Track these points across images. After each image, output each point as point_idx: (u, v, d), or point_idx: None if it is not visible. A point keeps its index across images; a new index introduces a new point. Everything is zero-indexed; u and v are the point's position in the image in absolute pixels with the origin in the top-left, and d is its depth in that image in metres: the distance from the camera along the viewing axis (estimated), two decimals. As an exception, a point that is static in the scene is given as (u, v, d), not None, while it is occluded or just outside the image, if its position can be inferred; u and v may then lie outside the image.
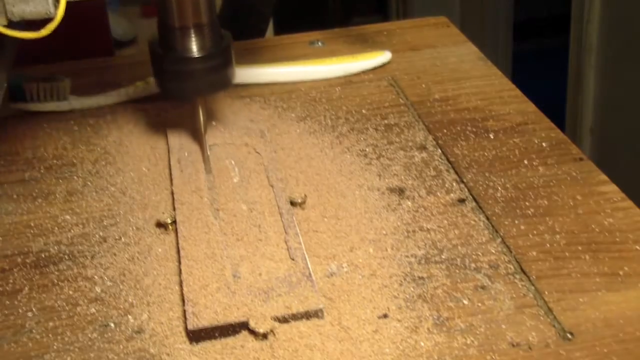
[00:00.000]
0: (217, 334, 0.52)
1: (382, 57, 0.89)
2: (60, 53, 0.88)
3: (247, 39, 1.01)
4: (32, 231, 0.65)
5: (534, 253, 0.58)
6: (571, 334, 0.51)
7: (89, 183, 0.71)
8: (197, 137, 0.71)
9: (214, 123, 0.74)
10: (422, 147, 0.73)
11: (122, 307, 0.56)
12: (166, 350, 0.52)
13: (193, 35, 0.65)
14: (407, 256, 0.59)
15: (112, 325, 0.54)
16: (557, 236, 0.60)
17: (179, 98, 0.71)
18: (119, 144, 0.77)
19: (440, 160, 0.71)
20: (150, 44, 0.68)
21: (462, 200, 0.65)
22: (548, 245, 0.59)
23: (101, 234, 0.64)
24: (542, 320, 0.52)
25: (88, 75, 0.90)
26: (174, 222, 0.63)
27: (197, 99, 0.68)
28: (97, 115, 0.82)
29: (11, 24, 0.57)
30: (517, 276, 0.56)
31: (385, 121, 0.78)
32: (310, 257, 0.58)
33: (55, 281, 0.59)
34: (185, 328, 0.52)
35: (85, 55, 0.95)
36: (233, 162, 0.69)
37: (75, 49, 0.89)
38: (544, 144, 0.72)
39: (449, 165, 0.70)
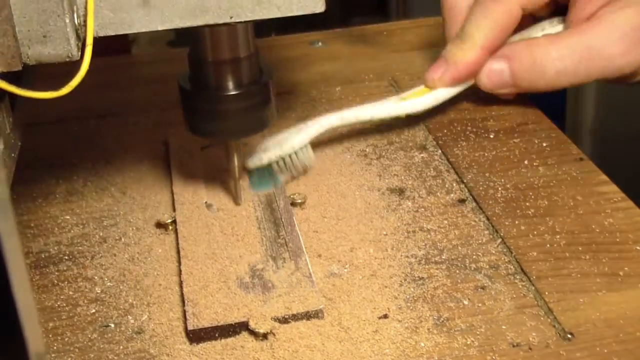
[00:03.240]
0: (217, 335, 0.52)
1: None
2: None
3: None
4: (32, 231, 0.65)
5: (534, 253, 0.58)
6: (571, 334, 0.51)
7: (89, 183, 0.71)
8: (231, 180, 0.64)
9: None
10: (422, 147, 0.73)
11: (122, 307, 0.56)
12: (166, 350, 0.52)
13: (229, 70, 0.58)
14: (407, 256, 0.59)
15: (112, 325, 0.54)
16: (557, 236, 0.60)
17: (211, 138, 0.65)
18: (119, 144, 0.77)
19: (440, 160, 0.71)
20: (179, 78, 0.61)
21: (462, 201, 0.65)
22: (548, 245, 0.59)
23: (101, 234, 0.64)
24: (542, 321, 0.52)
25: (102, 73, 0.91)
26: (174, 222, 0.63)
27: (232, 142, 0.62)
28: (97, 115, 0.82)
29: (26, 83, 0.50)
30: (517, 276, 0.56)
31: (385, 121, 0.78)
32: (310, 257, 0.58)
33: (55, 281, 0.59)
34: (186, 328, 0.52)
35: (100, 53, 0.95)
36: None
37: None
38: (544, 144, 0.72)
39: (449, 165, 0.70)
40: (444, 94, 0.75)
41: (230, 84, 0.59)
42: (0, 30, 0.47)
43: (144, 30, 0.51)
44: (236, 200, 0.64)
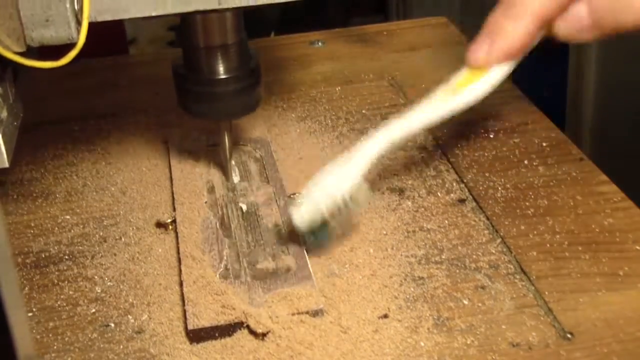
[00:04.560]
0: (217, 334, 0.52)
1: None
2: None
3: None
4: (32, 231, 0.65)
5: (534, 253, 0.58)
6: (571, 334, 0.51)
7: (89, 183, 0.71)
8: (222, 160, 0.67)
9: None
10: (422, 147, 0.73)
11: (122, 307, 0.56)
12: (166, 350, 0.52)
13: (219, 55, 0.62)
14: (407, 256, 0.59)
15: (112, 325, 0.54)
16: (557, 236, 0.60)
17: (204, 118, 0.67)
18: (119, 144, 0.77)
19: (440, 160, 0.71)
20: (174, 64, 0.64)
21: (462, 200, 0.65)
22: (548, 245, 0.59)
23: (101, 234, 0.64)
24: (542, 320, 0.52)
25: (102, 73, 0.91)
26: (174, 222, 0.63)
27: (223, 122, 0.65)
28: (97, 116, 0.82)
29: (28, 50, 0.53)
30: (517, 276, 0.56)
31: (385, 121, 0.78)
32: (311, 257, 0.58)
33: (55, 281, 0.59)
34: (186, 328, 0.52)
35: (100, 54, 0.95)
36: (233, 162, 0.69)
37: (90, 46, 0.88)
38: (544, 144, 0.72)
39: (449, 165, 0.70)
40: (496, 75, 0.60)
41: (221, 69, 0.62)
42: (6, 14, 0.51)
43: (138, 15, 0.54)
44: (227, 177, 0.67)
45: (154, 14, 0.54)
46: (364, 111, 0.80)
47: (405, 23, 1.03)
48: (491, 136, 0.74)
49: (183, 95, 0.64)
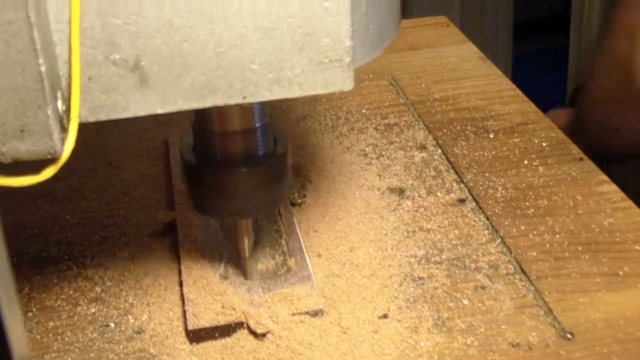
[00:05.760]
0: (217, 334, 0.52)
1: None
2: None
3: None
4: (32, 231, 0.65)
5: (534, 253, 0.58)
6: (571, 334, 0.51)
7: (89, 183, 0.71)
8: (241, 259, 0.57)
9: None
10: (422, 147, 0.73)
11: (122, 307, 0.56)
12: (166, 350, 0.52)
13: (239, 142, 0.51)
14: (407, 256, 0.59)
15: (112, 325, 0.54)
16: (557, 236, 0.60)
17: (219, 217, 0.57)
18: (119, 144, 0.77)
19: (440, 160, 0.71)
20: (182, 149, 0.54)
21: (462, 200, 0.65)
22: (548, 245, 0.59)
23: (101, 234, 0.64)
24: (542, 321, 0.52)
25: None
26: (174, 222, 0.63)
27: (242, 220, 0.55)
28: (97, 115, 0.82)
29: None
30: (517, 276, 0.56)
31: (385, 121, 0.78)
32: (310, 257, 0.58)
33: (56, 281, 0.59)
34: (185, 328, 0.52)
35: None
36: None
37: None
38: (544, 144, 0.72)
39: (449, 165, 0.70)
40: None
41: (241, 159, 0.52)
42: None
43: (141, 114, 0.43)
44: (246, 277, 0.56)
45: (160, 111, 0.43)
46: (363, 111, 0.80)
47: (405, 23, 1.03)
48: (491, 136, 0.74)
49: (194, 190, 0.54)
